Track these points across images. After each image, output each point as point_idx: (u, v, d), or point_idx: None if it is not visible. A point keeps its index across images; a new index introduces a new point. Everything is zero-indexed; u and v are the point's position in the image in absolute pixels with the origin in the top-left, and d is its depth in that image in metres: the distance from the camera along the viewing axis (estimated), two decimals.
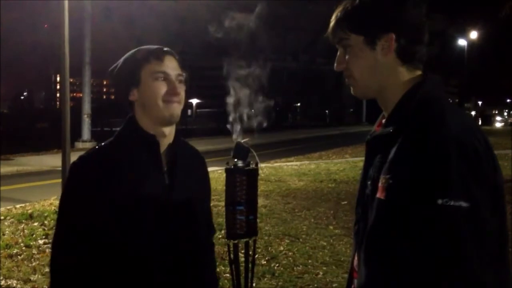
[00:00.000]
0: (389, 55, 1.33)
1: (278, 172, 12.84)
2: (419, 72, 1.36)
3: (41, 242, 6.26)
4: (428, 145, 1.18)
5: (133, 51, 1.80)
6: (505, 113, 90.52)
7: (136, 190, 1.69)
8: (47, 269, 5.26)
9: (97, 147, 1.80)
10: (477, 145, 1.20)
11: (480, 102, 75.01)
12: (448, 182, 1.15)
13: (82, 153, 1.79)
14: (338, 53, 1.40)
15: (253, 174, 1.73)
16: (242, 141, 1.75)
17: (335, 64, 1.41)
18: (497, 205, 1.23)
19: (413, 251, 1.18)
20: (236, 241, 1.74)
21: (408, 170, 1.19)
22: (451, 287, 1.15)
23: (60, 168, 10.43)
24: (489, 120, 72.06)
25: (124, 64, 1.77)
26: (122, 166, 1.71)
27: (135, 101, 1.76)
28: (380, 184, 1.25)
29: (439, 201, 1.14)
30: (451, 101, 1.38)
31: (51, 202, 8.99)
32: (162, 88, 1.71)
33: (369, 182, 1.33)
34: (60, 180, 10.26)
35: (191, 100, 54.58)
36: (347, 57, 1.37)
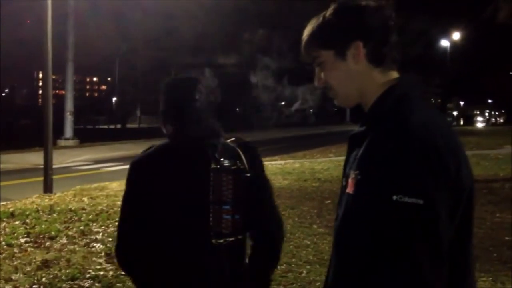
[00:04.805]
0: (360, 62, 1.37)
1: None
2: (395, 74, 1.40)
3: (22, 241, 6.19)
4: (389, 144, 1.22)
5: None
6: (487, 114, 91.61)
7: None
8: (28, 268, 5.20)
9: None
10: (440, 145, 1.22)
11: (462, 103, 75.76)
12: (403, 179, 1.18)
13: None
14: (316, 72, 1.46)
15: (240, 173, 1.73)
16: (228, 140, 1.75)
17: (315, 82, 1.47)
18: (457, 207, 1.25)
19: (369, 244, 1.21)
20: (221, 240, 1.74)
21: (371, 166, 1.24)
22: (395, 282, 1.17)
23: (42, 166, 10.31)
24: (471, 120, 72.86)
25: None
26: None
27: None
28: (350, 180, 1.30)
29: (394, 197, 1.17)
30: (432, 100, 1.41)
31: (33, 200, 8.88)
32: None
33: (344, 179, 1.38)
34: (42, 178, 10.11)
35: None
36: (323, 73, 1.43)
